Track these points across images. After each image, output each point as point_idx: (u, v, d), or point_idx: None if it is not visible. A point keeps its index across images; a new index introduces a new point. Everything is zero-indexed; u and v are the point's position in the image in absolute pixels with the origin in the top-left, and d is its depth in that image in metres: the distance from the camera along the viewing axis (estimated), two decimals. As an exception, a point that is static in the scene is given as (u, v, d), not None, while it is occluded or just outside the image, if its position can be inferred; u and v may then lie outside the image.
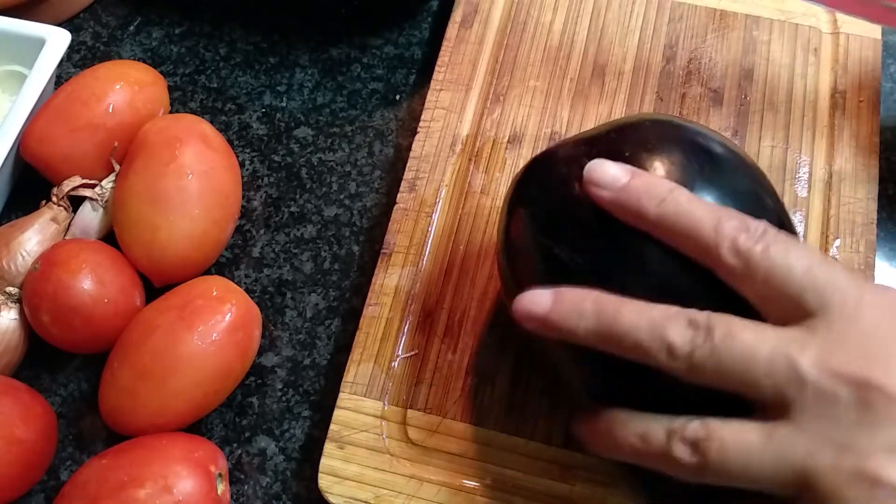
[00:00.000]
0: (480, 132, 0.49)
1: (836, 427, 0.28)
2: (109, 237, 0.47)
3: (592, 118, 0.50)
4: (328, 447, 0.41)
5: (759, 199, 0.34)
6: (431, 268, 0.46)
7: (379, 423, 0.42)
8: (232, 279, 0.47)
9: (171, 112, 0.53)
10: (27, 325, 0.45)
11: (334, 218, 0.50)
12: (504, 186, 0.48)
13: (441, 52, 0.52)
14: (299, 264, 0.49)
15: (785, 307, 0.30)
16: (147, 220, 0.45)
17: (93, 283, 0.43)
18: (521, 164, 0.48)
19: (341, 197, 0.51)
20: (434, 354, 0.43)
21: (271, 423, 0.45)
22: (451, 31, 0.52)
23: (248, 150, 0.53)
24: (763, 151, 0.48)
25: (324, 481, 0.41)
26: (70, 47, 0.50)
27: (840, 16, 0.52)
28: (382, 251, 0.46)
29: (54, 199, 0.47)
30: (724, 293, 0.31)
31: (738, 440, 0.29)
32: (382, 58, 0.55)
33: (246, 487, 0.44)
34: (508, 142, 0.49)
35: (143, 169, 0.46)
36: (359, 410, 0.42)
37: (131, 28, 0.57)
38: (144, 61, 0.55)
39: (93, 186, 0.48)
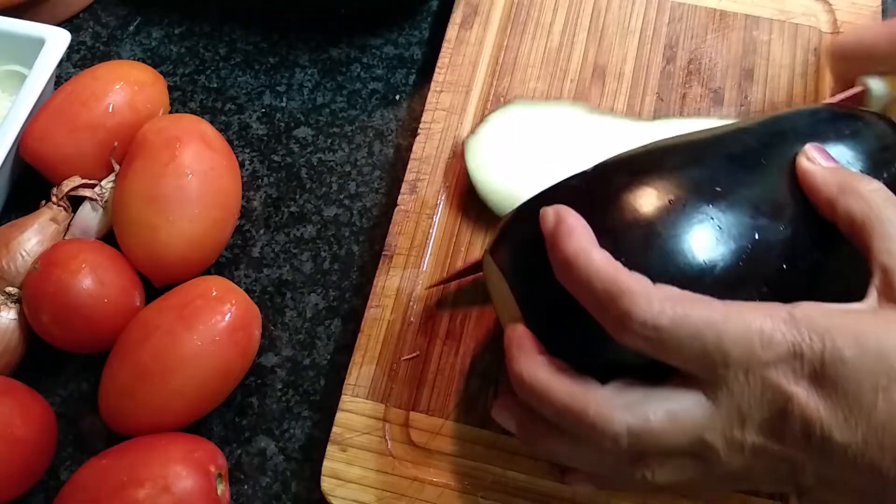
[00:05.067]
0: (481, 133, 0.49)
1: None
2: (109, 237, 0.47)
3: (593, 119, 0.50)
4: (330, 450, 0.41)
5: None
6: (433, 270, 0.46)
7: (381, 426, 0.42)
8: (232, 279, 0.47)
9: (170, 112, 0.53)
10: (27, 325, 0.45)
11: (334, 218, 0.50)
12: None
13: (441, 54, 0.52)
14: (299, 264, 0.49)
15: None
16: (147, 220, 0.45)
17: (93, 283, 0.43)
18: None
19: (341, 197, 0.51)
20: (436, 356, 0.43)
21: (271, 424, 0.45)
22: (451, 32, 0.52)
23: (248, 150, 0.53)
24: (763, 152, 0.48)
25: (326, 484, 0.41)
26: (70, 47, 0.50)
27: (840, 16, 0.52)
28: (384, 253, 0.46)
29: (54, 199, 0.47)
30: None
31: None
32: (382, 58, 0.55)
33: (246, 487, 0.44)
34: (509, 142, 0.49)
35: (143, 169, 0.45)
36: (361, 413, 0.42)
37: (131, 28, 0.57)
38: (144, 61, 0.55)
39: (92, 186, 0.48)
